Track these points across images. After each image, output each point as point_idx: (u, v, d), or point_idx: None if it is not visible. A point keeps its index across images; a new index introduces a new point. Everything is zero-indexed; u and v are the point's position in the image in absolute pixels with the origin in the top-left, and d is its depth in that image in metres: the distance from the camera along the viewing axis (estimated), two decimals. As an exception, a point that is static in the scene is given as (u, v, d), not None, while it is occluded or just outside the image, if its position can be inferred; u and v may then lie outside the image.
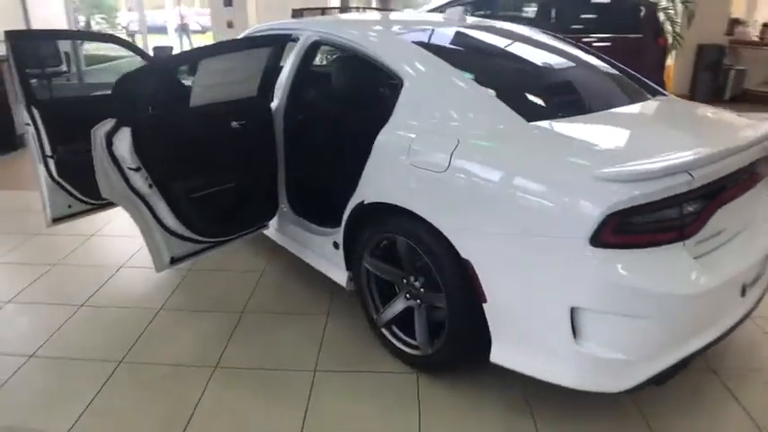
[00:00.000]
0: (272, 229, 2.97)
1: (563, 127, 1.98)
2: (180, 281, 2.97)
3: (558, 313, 1.73)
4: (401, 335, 2.32)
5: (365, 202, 2.24)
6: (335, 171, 2.78)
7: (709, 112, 2.40)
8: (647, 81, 2.65)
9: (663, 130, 2.22)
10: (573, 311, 1.70)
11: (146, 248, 2.39)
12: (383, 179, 2.14)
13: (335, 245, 2.57)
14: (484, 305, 1.90)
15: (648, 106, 2.40)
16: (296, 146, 2.80)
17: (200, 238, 2.52)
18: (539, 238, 1.72)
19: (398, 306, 2.29)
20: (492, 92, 2.04)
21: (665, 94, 2.60)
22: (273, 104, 2.73)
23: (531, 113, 1.96)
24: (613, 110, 2.22)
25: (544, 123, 1.95)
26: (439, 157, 1.93)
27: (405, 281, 2.25)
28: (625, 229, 1.63)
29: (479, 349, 2.03)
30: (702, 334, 1.84)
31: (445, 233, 1.92)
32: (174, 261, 2.48)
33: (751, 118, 2.21)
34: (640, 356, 1.74)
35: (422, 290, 2.18)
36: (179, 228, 2.39)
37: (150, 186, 2.20)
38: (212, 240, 2.61)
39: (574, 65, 2.64)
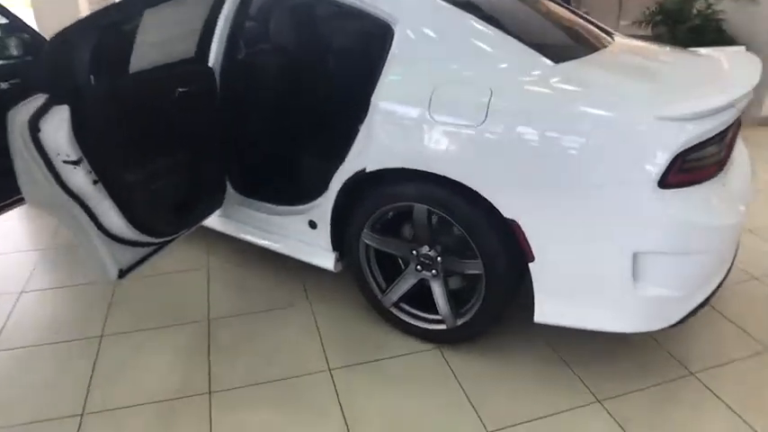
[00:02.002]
0: (212, 217, 2.51)
1: (590, 68, 1.86)
2: (111, 297, 2.40)
3: (619, 261, 1.66)
4: (416, 311, 2.12)
5: (367, 170, 1.94)
6: (302, 141, 2.42)
7: (670, 48, 2.46)
8: (600, 24, 2.65)
9: (667, 66, 2.17)
10: (635, 256, 1.65)
11: (43, 265, 1.84)
12: (394, 141, 1.86)
13: (312, 224, 2.24)
14: (530, 265, 1.77)
15: (626, 45, 2.36)
16: (241, 116, 2.36)
17: (149, 240, 2.02)
18: (598, 187, 1.61)
19: (410, 281, 2.08)
20: (509, 33, 1.84)
21: (616, 34, 2.62)
22: (208, 67, 2.24)
23: (552, 56, 1.81)
24: (604, 51, 2.15)
25: (569, 65, 1.82)
26: (472, 110, 1.71)
27: (415, 252, 2.03)
28: (685, 167, 1.58)
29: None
30: (726, 264, 1.92)
31: (484, 194, 1.73)
32: (122, 273, 1.96)
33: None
34: (690, 291, 1.76)
35: (439, 258, 1.98)
36: (126, 231, 1.88)
37: (95, 183, 1.67)
38: (162, 240, 2.11)
39: (550, 11, 2.51)
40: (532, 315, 1.84)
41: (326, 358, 2.05)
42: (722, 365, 2.03)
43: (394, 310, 2.14)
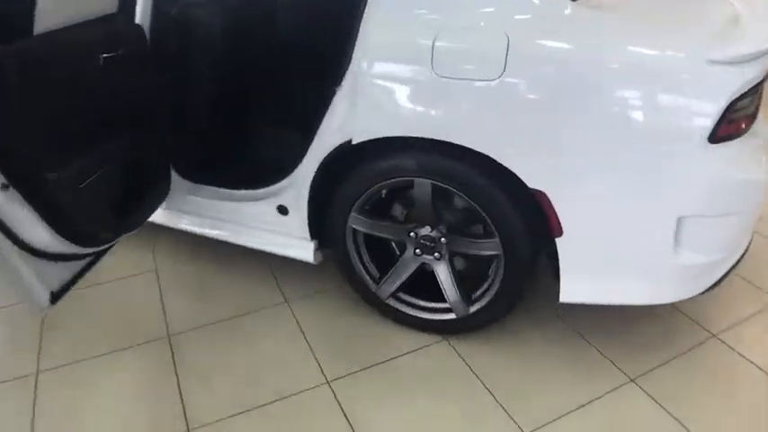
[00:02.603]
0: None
1: (616, 6, 1.58)
2: (41, 323, 1.94)
3: (661, 227, 1.46)
4: (418, 301, 1.85)
5: (353, 142, 1.61)
6: (261, 111, 2.04)
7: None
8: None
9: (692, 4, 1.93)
10: (679, 221, 1.45)
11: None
12: (389, 105, 1.53)
13: (282, 209, 1.90)
14: (557, 240, 1.53)
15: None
16: (182, 85, 1.94)
17: (84, 251, 1.61)
18: (641, 145, 1.38)
19: (409, 267, 1.80)
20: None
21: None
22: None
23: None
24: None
25: (590, 3, 1.54)
26: (487, 62, 1.40)
27: (413, 234, 1.75)
28: (732, 117, 1.38)
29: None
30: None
31: (505, 162, 1.46)
32: (55, 297, 1.54)
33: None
34: (726, 254, 1.60)
35: (443, 240, 1.71)
36: (54, 243, 1.46)
37: (5, 188, 1.24)
38: (99, 249, 1.70)
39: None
40: (551, 294, 1.63)
41: (321, 368, 1.75)
42: (741, 323, 1.92)
43: (392, 302, 1.86)
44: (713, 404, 1.62)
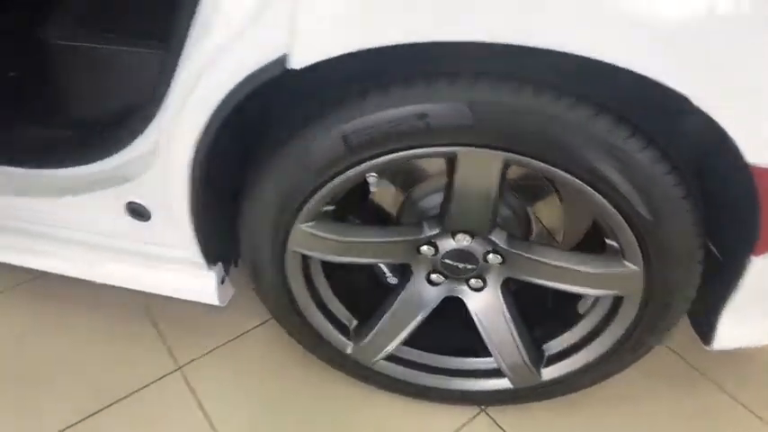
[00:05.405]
0: None
1: None
2: None
3: None
4: (440, 360, 1.00)
5: (294, 65, 0.63)
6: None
7: None
8: None
9: None
10: None
11: None
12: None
13: (135, 211, 0.93)
14: (752, 260, 0.72)
15: None
16: None
17: None
18: None
19: (420, 305, 0.92)
20: None
21: None
22: None
23: None
24: None
25: None
26: None
27: (429, 248, 0.85)
28: None
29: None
30: None
31: (717, 115, 0.58)
32: None
33: None
34: None
35: (493, 257, 0.84)
36: None
37: None
38: None
39: None
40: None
41: None
42: None
43: (385, 367, 0.99)
44: None
